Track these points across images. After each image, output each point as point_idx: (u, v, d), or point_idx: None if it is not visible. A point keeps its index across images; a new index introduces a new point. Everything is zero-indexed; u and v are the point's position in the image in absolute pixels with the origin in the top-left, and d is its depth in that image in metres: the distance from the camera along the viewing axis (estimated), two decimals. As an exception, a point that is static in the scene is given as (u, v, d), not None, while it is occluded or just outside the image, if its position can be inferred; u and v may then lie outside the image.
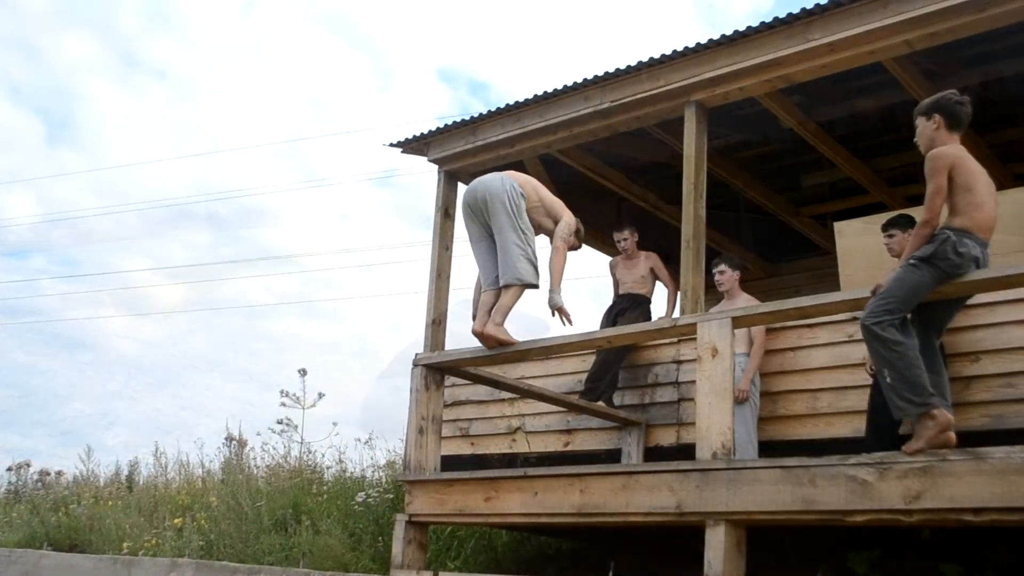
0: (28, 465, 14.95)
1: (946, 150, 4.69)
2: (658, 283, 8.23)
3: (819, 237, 9.31)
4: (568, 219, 6.49)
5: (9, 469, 15.07)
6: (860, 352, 5.75)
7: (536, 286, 6.21)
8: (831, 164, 8.26)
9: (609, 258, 8.68)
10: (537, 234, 6.40)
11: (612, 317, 8.03)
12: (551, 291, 6.25)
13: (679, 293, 6.33)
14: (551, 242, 6.45)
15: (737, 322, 5.41)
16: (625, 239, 8.18)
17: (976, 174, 4.69)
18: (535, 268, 6.21)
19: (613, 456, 7.23)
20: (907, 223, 5.76)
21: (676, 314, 6.95)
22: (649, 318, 7.94)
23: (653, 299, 8.21)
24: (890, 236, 5.89)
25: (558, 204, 6.58)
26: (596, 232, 8.80)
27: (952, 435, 4.43)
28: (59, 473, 14.34)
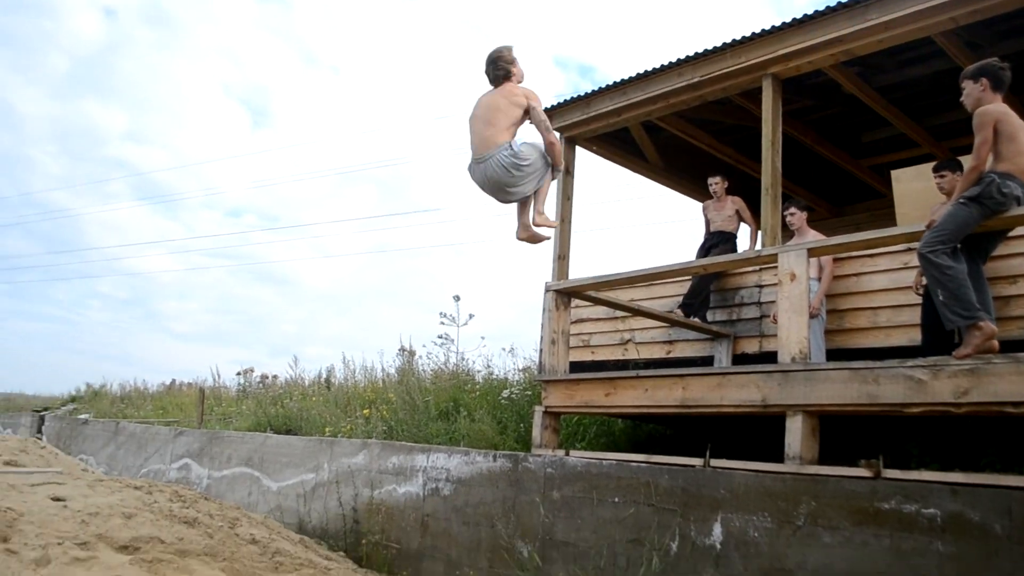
0: (252, 371, 15.65)
1: (992, 107, 4.51)
2: (743, 224, 8.08)
3: (877, 183, 8.94)
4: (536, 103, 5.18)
5: (238, 374, 15.82)
6: (913, 277, 5.56)
7: (559, 167, 5.30)
8: (886, 122, 7.91)
9: (701, 204, 8.51)
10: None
11: (705, 249, 7.92)
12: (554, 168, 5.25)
13: (759, 231, 6.20)
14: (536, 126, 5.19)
15: (812, 252, 5.29)
16: (716, 183, 8.06)
17: (1018, 127, 4.51)
18: (544, 157, 5.16)
19: (707, 362, 7.18)
20: (956, 166, 5.51)
21: (758, 246, 6.81)
22: (736, 251, 7.78)
23: (738, 236, 8.07)
24: (941, 177, 5.63)
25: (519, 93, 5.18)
26: (691, 183, 8.64)
27: (995, 343, 4.31)
28: (275, 376, 14.96)
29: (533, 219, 5.29)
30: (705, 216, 8.24)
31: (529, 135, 5.25)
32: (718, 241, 7.89)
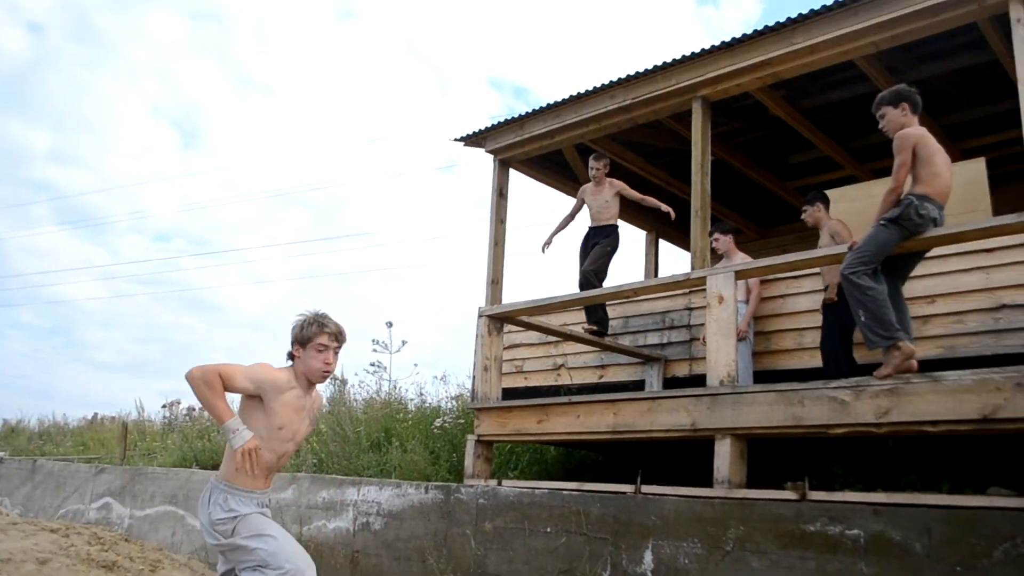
0: (178, 403, 15.26)
1: (912, 131, 4.68)
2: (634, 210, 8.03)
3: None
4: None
5: (164, 406, 15.40)
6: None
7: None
8: (812, 145, 8.15)
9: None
10: None
11: (586, 248, 7.58)
12: None
13: (690, 253, 6.30)
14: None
15: (739, 275, 5.40)
16: (596, 168, 7.61)
17: (935, 149, 4.66)
18: None
19: (639, 386, 7.26)
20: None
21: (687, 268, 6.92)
22: (617, 245, 7.58)
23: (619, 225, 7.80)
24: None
25: None
26: (623, 206, 8.72)
27: (914, 362, 4.44)
28: (202, 408, 14.60)
29: None
30: (580, 200, 7.81)
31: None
32: (597, 238, 7.55)
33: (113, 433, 15.21)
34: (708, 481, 4.97)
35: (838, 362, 5.73)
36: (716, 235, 7.01)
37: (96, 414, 18.66)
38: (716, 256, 7.14)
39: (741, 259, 6.74)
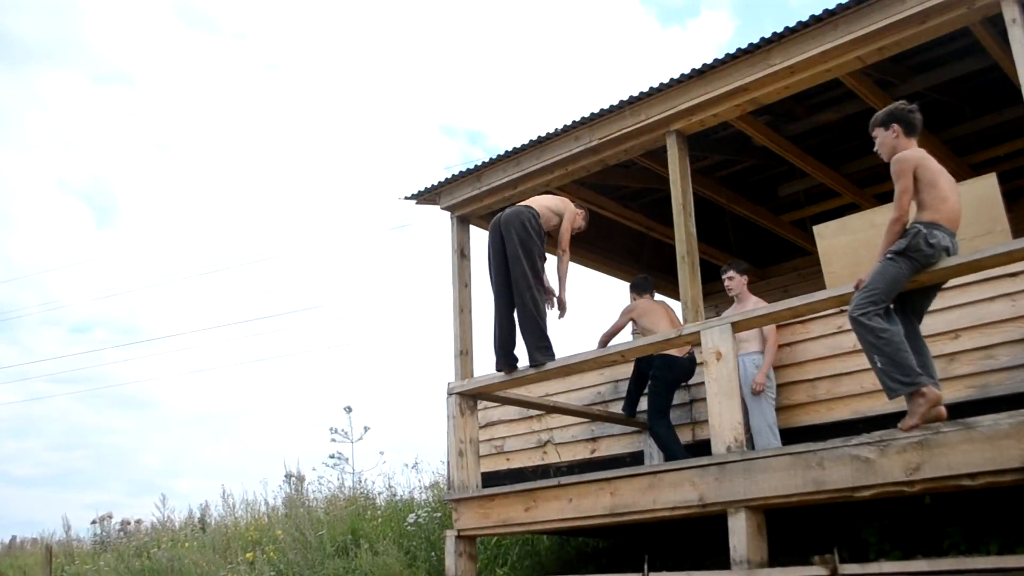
0: (110, 516, 14.94)
1: (908, 153, 4.71)
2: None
3: (801, 240, 9.28)
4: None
5: (93, 522, 15.05)
6: (851, 341, 5.70)
7: None
8: (803, 173, 8.27)
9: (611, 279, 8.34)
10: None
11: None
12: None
13: (681, 303, 6.31)
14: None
15: (736, 326, 5.40)
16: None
17: (937, 172, 4.70)
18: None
19: (637, 458, 7.19)
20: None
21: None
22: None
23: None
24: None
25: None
26: (601, 257, 8.79)
27: (942, 409, 4.42)
28: (138, 521, 14.35)
29: None
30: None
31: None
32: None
33: (36, 558, 14.81)
34: (725, 561, 4.90)
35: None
36: (731, 273, 7.01)
37: (14, 537, 18.28)
38: (727, 299, 7.13)
39: (753, 303, 6.75)
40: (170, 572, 10.16)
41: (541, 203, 6.79)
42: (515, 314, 6.46)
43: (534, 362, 6.33)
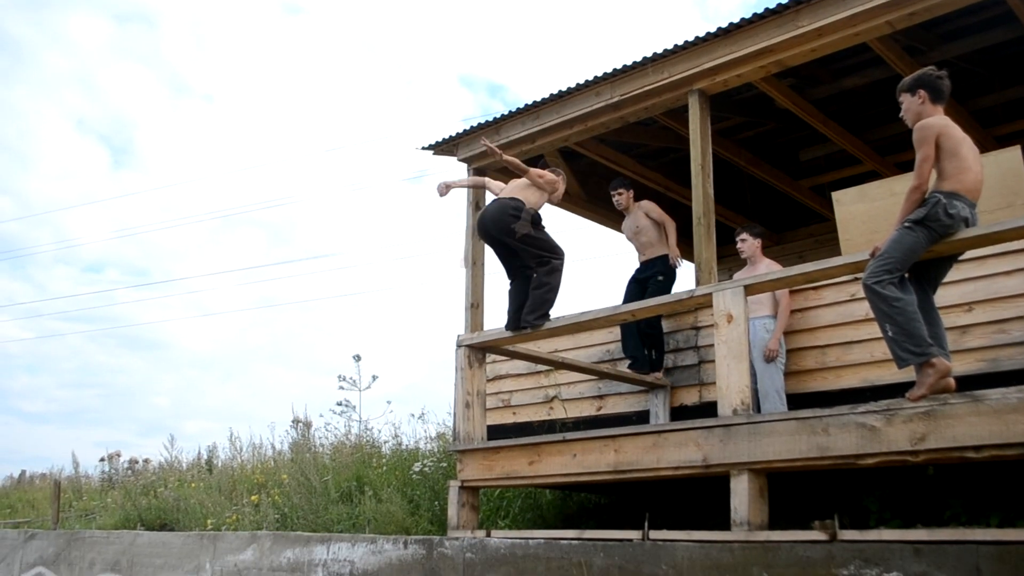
0: (118, 455, 15.16)
1: (932, 121, 4.66)
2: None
3: (818, 206, 9.24)
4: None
5: (102, 459, 15.31)
6: (863, 309, 5.70)
7: None
8: (825, 138, 8.21)
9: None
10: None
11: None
12: None
13: (695, 265, 6.30)
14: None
15: (749, 290, 5.39)
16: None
17: (961, 141, 4.66)
18: None
19: (642, 417, 7.24)
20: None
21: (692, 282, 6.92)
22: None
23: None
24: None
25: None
26: (616, 214, 8.74)
27: (951, 380, 4.43)
28: (146, 461, 14.52)
29: None
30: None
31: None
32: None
33: (44, 493, 15.05)
34: (725, 523, 4.95)
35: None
36: (744, 235, 7.00)
37: (24, 471, 18.57)
38: (741, 261, 7.13)
39: (766, 267, 6.73)
40: (176, 511, 10.30)
41: (520, 191, 6.71)
42: (529, 287, 6.58)
43: (525, 325, 6.45)
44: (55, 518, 12.13)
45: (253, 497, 9.46)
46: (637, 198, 7.95)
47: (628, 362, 7.38)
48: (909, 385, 4.55)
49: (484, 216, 6.71)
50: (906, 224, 4.57)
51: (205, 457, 13.21)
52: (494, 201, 6.74)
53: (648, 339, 7.29)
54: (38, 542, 10.80)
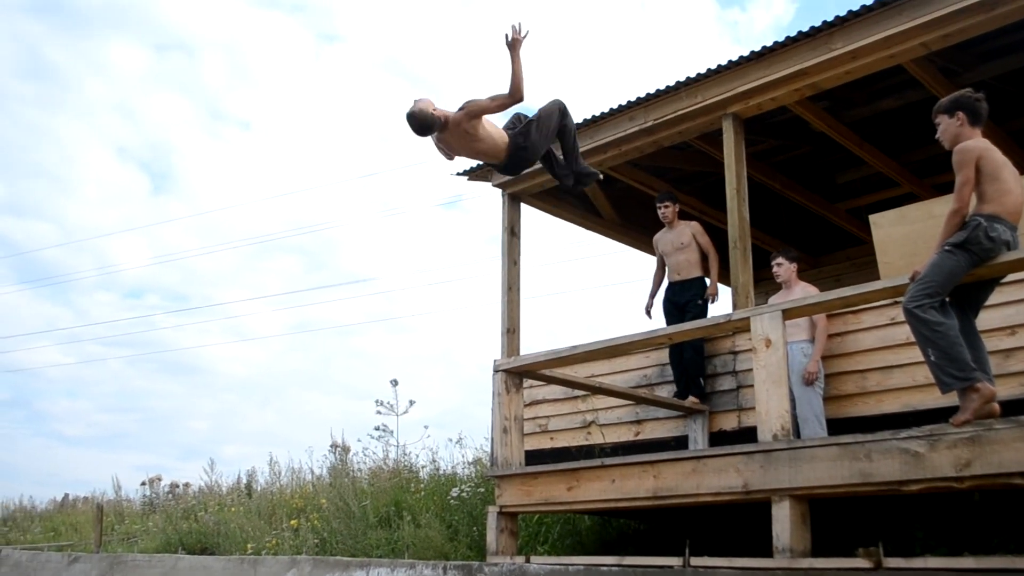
0: (159, 479, 15.28)
1: (972, 144, 4.61)
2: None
3: (855, 228, 9.15)
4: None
5: (143, 483, 15.43)
6: (903, 333, 5.63)
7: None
8: (861, 161, 8.14)
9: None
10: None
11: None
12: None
13: (731, 288, 6.27)
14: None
15: (787, 314, 5.34)
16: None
17: (1001, 164, 4.60)
18: None
19: (681, 442, 7.18)
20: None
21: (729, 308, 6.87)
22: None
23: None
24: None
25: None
26: (650, 238, 8.72)
27: (996, 405, 4.34)
28: (186, 485, 14.63)
29: None
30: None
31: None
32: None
33: (87, 516, 15.20)
34: (766, 549, 4.87)
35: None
36: (780, 260, 6.93)
37: (67, 495, 18.74)
38: (776, 285, 7.08)
39: (802, 291, 6.67)
40: (216, 535, 10.35)
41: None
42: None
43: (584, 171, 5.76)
44: (98, 541, 12.23)
45: (292, 522, 9.49)
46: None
47: (665, 387, 7.33)
48: (952, 410, 4.47)
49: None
50: (946, 248, 4.51)
51: (244, 481, 13.29)
52: None
53: (691, 363, 7.22)
54: (81, 565, 10.87)
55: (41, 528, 16.01)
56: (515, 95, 5.20)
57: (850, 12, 5.81)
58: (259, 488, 12.55)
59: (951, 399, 4.55)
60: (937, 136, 4.87)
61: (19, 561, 12.41)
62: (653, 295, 7.95)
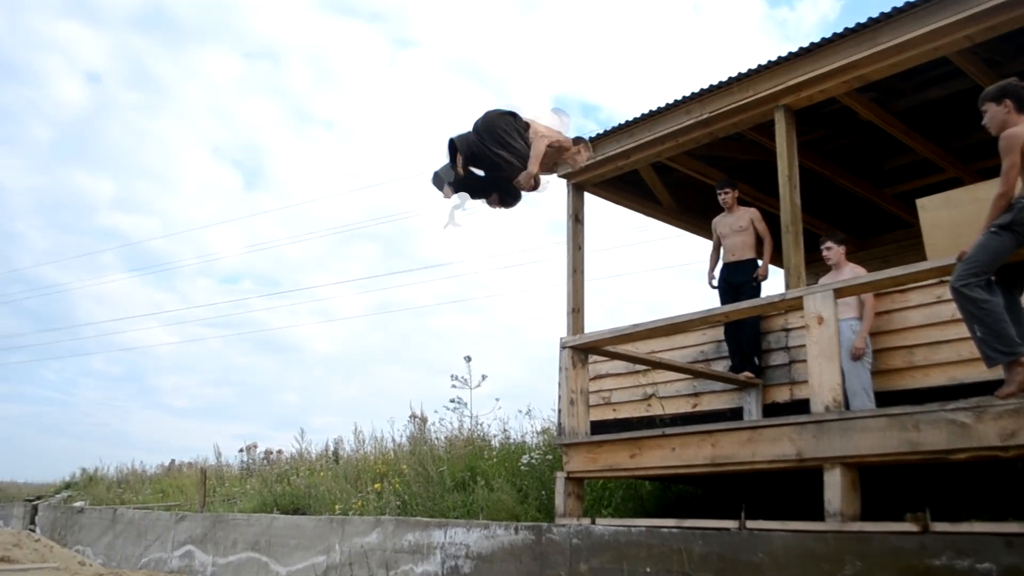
0: (255, 447, 15.64)
1: (1018, 130, 4.53)
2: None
3: (902, 212, 8.97)
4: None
5: (241, 450, 15.82)
6: (949, 311, 5.53)
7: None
8: (908, 148, 7.98)
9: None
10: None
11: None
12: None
13: (784, 270, 6.21)
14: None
15: (838, 293, 5.28)
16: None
17: (1046, 149, 4.49)
18: None
19: (736, 414, 7.14)
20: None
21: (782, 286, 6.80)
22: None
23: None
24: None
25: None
26: (706, 224, 8.65)
27: (1041, 379, 4.26)
28: (279, 451, 14.95)
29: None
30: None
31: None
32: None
33: (191, 479, 15.64)
34: (817, 514, 4.85)
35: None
36: (829, 244, 6.86)
37: (173, 460, 19.25)
38: (826, 267, 7.00)
39: (851, 271, 6.58)
40: (307, 497, 10.57)
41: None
42: None
43: None
44: (201, 502, 12.60)
45: (376, 485, 9.65)
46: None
47: (721, 363, 7.31)
48: (997, 383, 4.41)
49: None
50: (992, 229, 4.45)
51: (332, 449, 13.49)
52: None
53: (746, 340, 7.21)
54: (187, 523, 11.22)
55: (151, 490, 16.51)
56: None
57: (895, 8, 5.71)
58: (345, 455, 12.75)
59: (996, 373, 4.48)
60: (984, 123, 4.78)
61: (133, 519, 12.85)
62: (712, 270, 8.10)
